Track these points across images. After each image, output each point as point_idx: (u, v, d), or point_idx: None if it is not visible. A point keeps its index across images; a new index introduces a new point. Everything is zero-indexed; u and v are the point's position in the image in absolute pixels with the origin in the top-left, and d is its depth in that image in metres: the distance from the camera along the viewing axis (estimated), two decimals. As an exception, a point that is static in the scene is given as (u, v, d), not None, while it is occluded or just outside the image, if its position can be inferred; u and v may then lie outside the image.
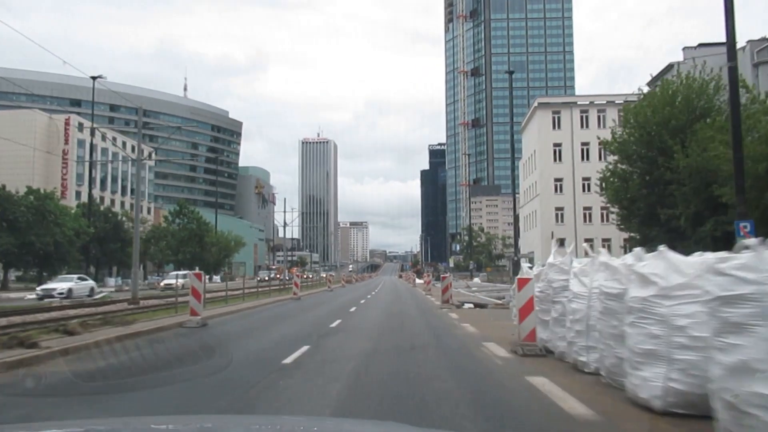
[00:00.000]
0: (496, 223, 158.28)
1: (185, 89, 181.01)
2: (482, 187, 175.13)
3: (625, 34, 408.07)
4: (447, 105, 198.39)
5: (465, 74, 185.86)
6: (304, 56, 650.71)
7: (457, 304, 19.83)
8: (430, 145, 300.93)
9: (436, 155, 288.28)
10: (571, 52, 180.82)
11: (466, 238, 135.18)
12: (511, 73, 58.30)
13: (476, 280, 59.86)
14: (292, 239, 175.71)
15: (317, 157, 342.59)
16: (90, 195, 53.38)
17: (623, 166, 36.79)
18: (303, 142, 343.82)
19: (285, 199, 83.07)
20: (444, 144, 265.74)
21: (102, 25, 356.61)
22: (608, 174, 38.10)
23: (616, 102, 60.40)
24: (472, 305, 20.77)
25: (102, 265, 56.75)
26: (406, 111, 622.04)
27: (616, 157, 38.49)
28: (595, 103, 60.80)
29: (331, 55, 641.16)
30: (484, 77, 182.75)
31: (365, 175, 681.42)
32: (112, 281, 52.89)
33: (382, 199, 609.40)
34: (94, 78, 56.34)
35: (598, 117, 60.49)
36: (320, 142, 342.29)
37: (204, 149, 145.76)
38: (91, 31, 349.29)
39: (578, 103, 61.27)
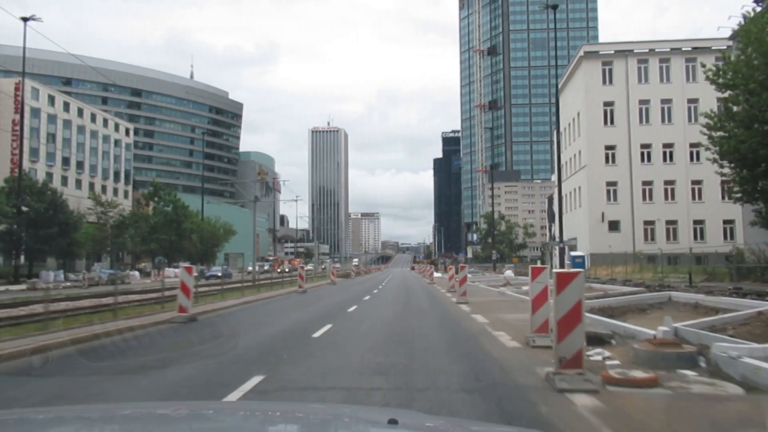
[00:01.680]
0: (515, 210, 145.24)
1: (191, 76, 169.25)
2: (500, 173, 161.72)
3: (637, 20, 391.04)
4: (462, 87, 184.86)
5: (481, 53, 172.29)
6: (313, 48, 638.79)
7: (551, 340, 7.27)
8: (443, 133, 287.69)
9: (450, 143, 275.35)
10: (596, 28, 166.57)
11: (485, 226, 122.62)
12: (555, 7, 45.60)
13: (508, 272, 47.13)
14: (297, 230, 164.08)
15: (327, 146, 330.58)
16: (20, 167, 41.57)
17: (744, 106, 24.25)
18: (313, 131, 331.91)
19: (274, 178, 71.23)
20: (458, 131, 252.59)
21: (111, 18, 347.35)
22: (717, 120, 25.59)
23: (683, 49, 47.60)
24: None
25: (38, 255, 44.84)
26: (418, 101, 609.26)
27: (726, 95, 26.03)
28: (657, 51, 47.87)
29: (341, 46, 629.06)
30: (501, 56, 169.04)
31: (377, 166, 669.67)
32: (50, 276, 40.87)
33: (394, 191, 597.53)
34: (25, 19, 44.78)
35: (661, 68, 47.64)
36: (330, 131, 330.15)
37: (201, 132, 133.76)
38: (100, 23, 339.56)
39: (635, 51, 48.33)
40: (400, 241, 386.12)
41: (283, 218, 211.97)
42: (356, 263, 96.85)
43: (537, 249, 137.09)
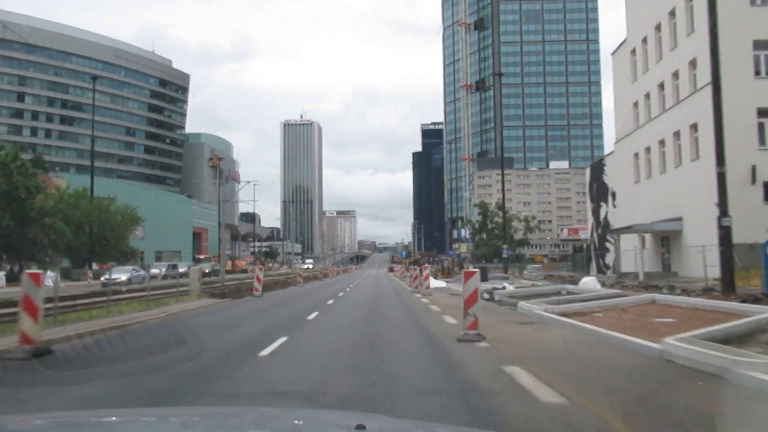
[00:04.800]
0: (509, 202, 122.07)
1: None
2: (490, 160, 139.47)
3: None
4: (445, 66, 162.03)
5: (467, 27, 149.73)
6: (289, 47, 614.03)
7: None
8: (423, 125, 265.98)
9: (430, 135, 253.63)
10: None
11: (479, 218, 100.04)
12: None
13: (588, 280, 22.97)
14: (253, 226, 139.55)
15: (301, 140, 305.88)
16: None
17: None
18: (285, 125, 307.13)
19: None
20: (439, 123, 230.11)
21: (80, 12, 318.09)
22: None
23: None
24: None
25: None
26: (396, 101, 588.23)
27: None
28: None
29: (317, 45, 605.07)
30: (490, 30, 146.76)
31: (354, 166, 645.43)
32: None
33: (371, 191, 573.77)
34: None
35: None
36: (304, 124, 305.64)
37: (136, 106, 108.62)
38: (68, 16, 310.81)
39: None
40: (377, 241, 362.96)
41: (254, 216, 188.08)
42: (310, 264, 71.88)
43: (538, 246, 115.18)
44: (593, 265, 43.98)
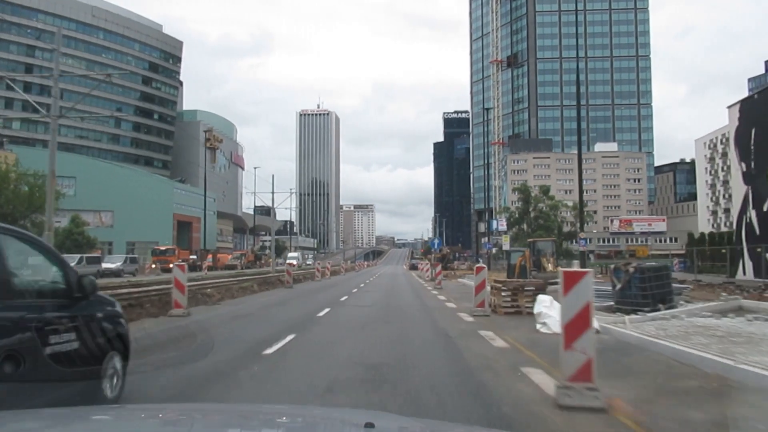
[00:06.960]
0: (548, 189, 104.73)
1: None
2: (526, 141, 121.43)
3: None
4: (473, 41, 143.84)
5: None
6: (307, 42, 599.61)
7: None
8: (445, 113, 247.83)
9: (453, 125, 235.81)
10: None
11: (519, 205, 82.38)
12: None
13: None
14: (254, 218, 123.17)
15: (317, 131, 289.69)
16: None
17: None
18: (301, 115, 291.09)
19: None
20: (462, 112, 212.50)
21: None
22: None
23: None
24: None
25: None
26: (415, 96, 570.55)
27: None
28: None
29: (335, 40, 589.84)
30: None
31: (372, 162, 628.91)
32: None
33: (389, 187, 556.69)
34: None
35: None
36: (320, 114, 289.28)
37: (117, 75, 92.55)
38: None
39: None
40: (396, 236, 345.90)
41: (269, 209, 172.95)
42: (293, 260, 53.37)
43: (585, 240, 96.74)
44: (747, 263, 26.42)
